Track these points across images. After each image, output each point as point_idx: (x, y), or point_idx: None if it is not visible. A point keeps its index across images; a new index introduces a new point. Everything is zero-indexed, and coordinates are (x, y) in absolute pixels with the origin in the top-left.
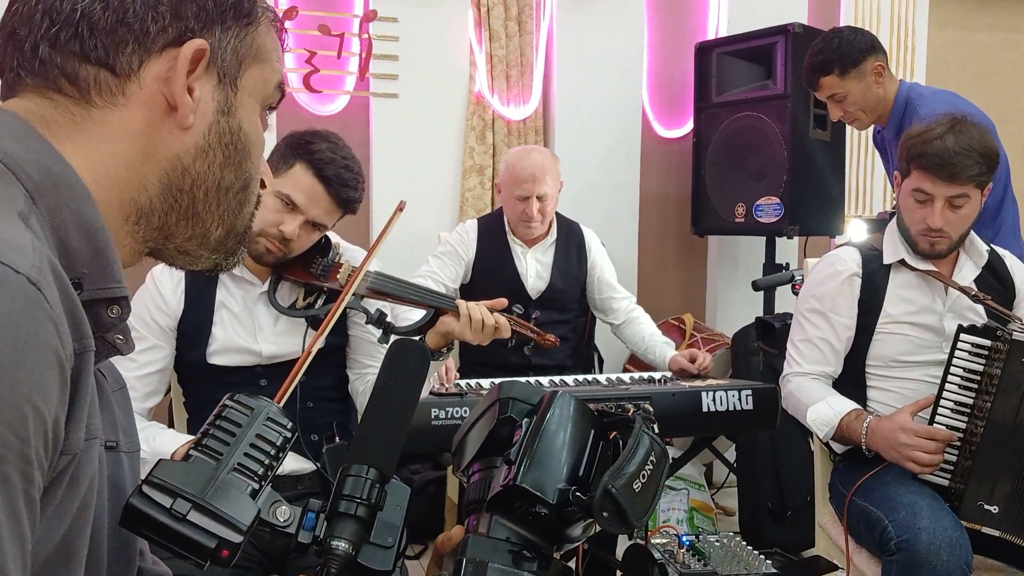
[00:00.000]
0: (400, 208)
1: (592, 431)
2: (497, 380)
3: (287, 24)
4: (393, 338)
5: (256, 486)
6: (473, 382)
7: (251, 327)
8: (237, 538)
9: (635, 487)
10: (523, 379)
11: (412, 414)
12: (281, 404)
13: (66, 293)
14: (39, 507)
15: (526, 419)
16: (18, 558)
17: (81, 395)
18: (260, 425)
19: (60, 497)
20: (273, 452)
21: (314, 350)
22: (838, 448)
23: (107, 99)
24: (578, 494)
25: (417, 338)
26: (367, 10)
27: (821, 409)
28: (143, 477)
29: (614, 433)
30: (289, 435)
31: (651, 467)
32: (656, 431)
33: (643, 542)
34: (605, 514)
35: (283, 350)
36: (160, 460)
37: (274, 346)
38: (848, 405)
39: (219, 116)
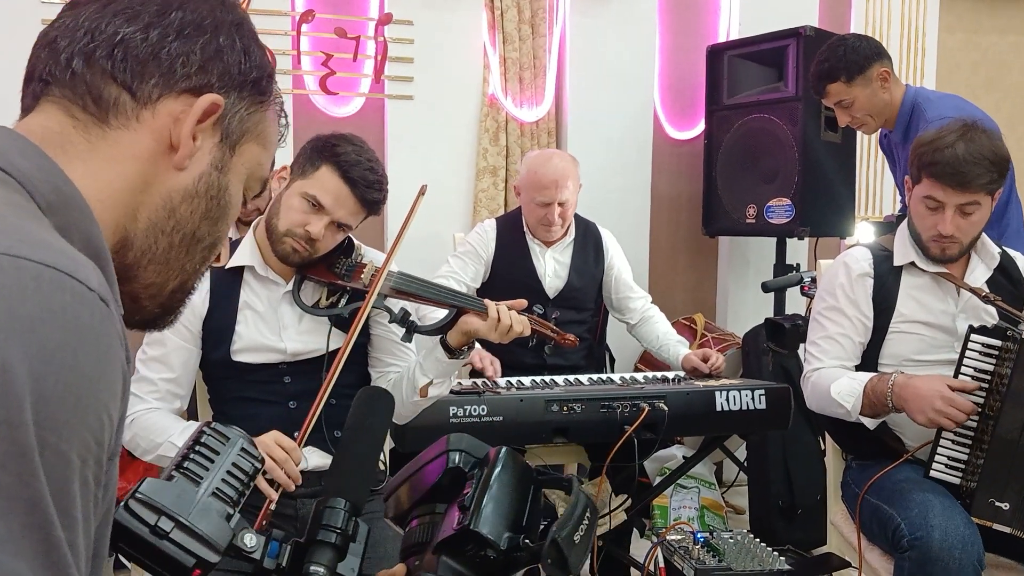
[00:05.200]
0: (422, 192)
1: (532, 486)
2: (448, 437)
3: (304, 28)
4: (415, 337)
5: (231, 511)
6: (489, 381)
7: (275, 325)
8: (215, 558)
9: (575, 539)
10: (471, 435)
11: (380, 454)
12: (306, 434)
13: (118, 312)
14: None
15: (475, 469)
16: (87, 558)
17: (125, 403)
18: (235, 455)
19: (99, 498)
20: (246, 480)
21: (345, 355)
22: (867, 422)
23: (122, 121)
24: (527, 541)
25: (439, 337)
26: (383, 13)
27: (844, 383)
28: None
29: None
30: (259, 466)
31: (587, 522)
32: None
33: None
34: (550, 560)
35: (307, 347)
36: (145, 478)
37: (298, 344)
38: (869, 374)
39: (212, 169)
